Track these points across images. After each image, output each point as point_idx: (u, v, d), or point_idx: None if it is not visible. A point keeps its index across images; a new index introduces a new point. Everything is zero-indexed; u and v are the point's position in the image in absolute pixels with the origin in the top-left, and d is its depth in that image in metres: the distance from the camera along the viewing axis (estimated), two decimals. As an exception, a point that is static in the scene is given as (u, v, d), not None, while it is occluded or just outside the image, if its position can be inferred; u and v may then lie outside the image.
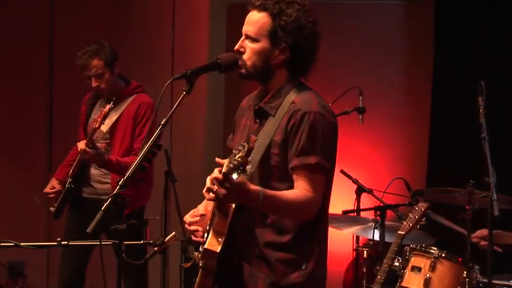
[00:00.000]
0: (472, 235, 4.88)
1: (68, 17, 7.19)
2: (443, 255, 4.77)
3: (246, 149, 2.85)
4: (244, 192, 2.94)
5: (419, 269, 4.78)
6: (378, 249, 5.20)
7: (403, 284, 4.80)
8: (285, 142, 3.10)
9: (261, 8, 3.14)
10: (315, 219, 3.14)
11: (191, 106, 6.48)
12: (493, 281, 4.62)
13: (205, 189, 2.99)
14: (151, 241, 4.03)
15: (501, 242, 4.98)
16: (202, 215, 3.24)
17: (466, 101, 5.84)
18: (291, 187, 3.09)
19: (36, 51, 7.22)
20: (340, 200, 5.39)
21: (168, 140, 6.73)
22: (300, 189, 3.06)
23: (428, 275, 4.73)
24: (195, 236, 3.24)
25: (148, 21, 7.24)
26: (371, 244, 5.56)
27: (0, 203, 7.10)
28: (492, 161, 4.38)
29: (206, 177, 3.03)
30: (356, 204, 5.57)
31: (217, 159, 2.98)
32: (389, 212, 5.25)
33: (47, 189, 5.36)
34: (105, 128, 5.27)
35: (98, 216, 3.09)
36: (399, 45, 7.04)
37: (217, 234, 3.09)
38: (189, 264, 3.30)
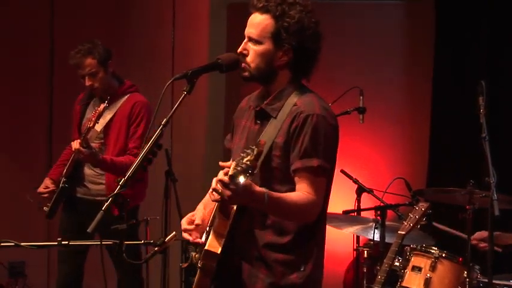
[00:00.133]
0: (472, 237, 4.88)
1: (68, 17, 7.19)
2: (443, 255, 4.77)
3: (255, 152, 2.85)
4: (250, 194, 2.94)
5: (419, 269, 4.78)
6: (378, 249, 5.20)
7: (404, 284, 4.81)
8: (287, 144, 3.11)
9: (264, 10, 3.13)
10: (314, 222, 3.15)
11: (192, 106, 6.47)
12: (494, 281, 4.62)
13: (210, 190, 2.99)
14: (152, 241, 4.03)
15: (501, 242, 4.98)
16: (197, 225, 3.24)
17: (466, 101, 5.84)
18: (292, 189, 3.09)
19: (36, 51, 7.22)
20: (341, 200, 5.39)
21: (168, 140, 6.74)
22: (302, 192, 3.07)
23: (428, 275, 4.73)
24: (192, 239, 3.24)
25: (148, 21, 7.24)
26: (371, 244, 5.56)
27: (0, 203, 7.10)
28: (492, 160, 4.39)
29: (206, 177, 3.03)
30: (356, 204, 5.57)
31: (221, 163, 2.98)
32: (389, 212, 5.25)
33: (41, 189, 5.36)
34: (99, 127, 5.26)
35: (99, 216, 3.10)
36: (399, 45, 7.04)
37: (217, 235, 3.09)
38: (186, 265, 3.30)
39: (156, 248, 3.86)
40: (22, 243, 3.72)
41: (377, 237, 5.18)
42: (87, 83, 5.27)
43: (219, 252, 3.06)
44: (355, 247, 5.71)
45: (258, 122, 3.22)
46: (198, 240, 3.20)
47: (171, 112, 3.17)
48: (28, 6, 7.22)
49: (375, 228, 5.23)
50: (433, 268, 4.75)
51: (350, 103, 5.91)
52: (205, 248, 3.08)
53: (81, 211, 5.30)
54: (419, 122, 6.82)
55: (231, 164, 3.00)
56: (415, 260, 4.82)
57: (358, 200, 5.57)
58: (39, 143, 7.23)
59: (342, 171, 5.48)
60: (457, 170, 6.52)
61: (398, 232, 4.67)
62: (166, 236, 3.88)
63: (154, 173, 5.41)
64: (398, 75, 7.02)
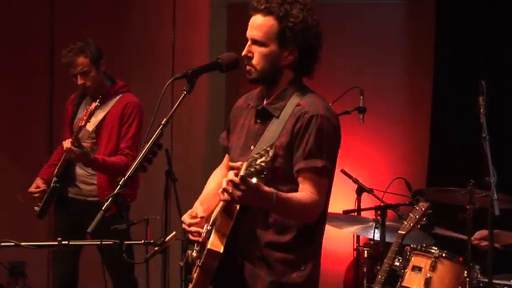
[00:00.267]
0: (472, 238, 4.88)
1: (68, 17, 7.19)
2: (443, 255, 4.78)
3: (271, 154, 2.84)
4: (259, 194, 2.94)
5: (419, 269, 4.79)
6: (378, 249, 5.20)
7: (404, 284, 4.81)
8: (291, 144, 3.11)
9: (266, 11, 3.13)
10: (315, 222, 3.16)
11: (192, 106, 6.47)
12: (494, 281, 4.62)
13: (220, 190, 2.99)
14: (152, 241, 4.02)
15: (501, 241, 4.98)
16: (202, 217, 3.24)
17: (466, 100, 5.84)
18: (293, 189, 3.09)
19: (36, 51, 7.22)
20: (341, 200, 5.39)
21: (168, 140, 6.73)
22: (306, 192, 3.07)
23: (428, 275, 4.73)
24: (193, 236, 3.24)
25: (148, 21, 7.24)
26: (372, 244, 5.56)
27: (0, 203, 7.09)
28: (492, 160, 4.39)
29: (206, 177, 3.04)
30: (357, 203, 5.57)
31: (231, 163, 2.97)
32: (389, 212, 5.25)
33: (32, 189, 5.34)
34: (90, 127, 5.24)
35: (99, 216, 3.10)
36: (400, 45, 7.04)
37: (220, 234, 3.09)
38: (183, 263, 3.30)
39: (156, 248, 3.86)
40: (22, 243, 3.71)
41: (377, 237, 5.18)
42: (79, 81, 5.27)
43: (221, 251, 3.06)
44: (355, 247, 5.71)
45: (259, 121, 3.22)
46: (198, 238, 3.20)
47: (171, 112, 3.17)
48: (28, 6, 7.22)
49: (375, 228, 5.24)
50: (433, 268, 4.75)
51: (350, 103, 5.91)
52: (208, 247, 3.08)
53: (73, 211, 5.29)
54: (420, 122, 6.82)
55: (241, 164, 2.98)
56: (415, 260, 4.82)
57: (359, 199, 5.57)
58: (39, 143, 7.22)
59: (342, 171, 5.48)
60: (457, 170, 6.53)
61: (399, 232, 4.67)
62: (167, 236, 3.87)
63: (154, 173, 5.40)
64: (398, 75, 7.02)
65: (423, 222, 4.68)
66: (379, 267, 4.81)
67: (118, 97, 5.35)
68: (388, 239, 5.05)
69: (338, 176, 3.40)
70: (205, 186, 3.48)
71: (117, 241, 3.53)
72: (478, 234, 4.98)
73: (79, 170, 5.32)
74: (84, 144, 5.15)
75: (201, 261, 3.13)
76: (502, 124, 6.30)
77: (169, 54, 7.02)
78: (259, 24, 3.14)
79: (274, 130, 3.14)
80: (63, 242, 3.84)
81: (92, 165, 5.16)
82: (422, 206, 4.70)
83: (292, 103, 3.16)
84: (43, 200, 5.28)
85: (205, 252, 3.09)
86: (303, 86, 3.23)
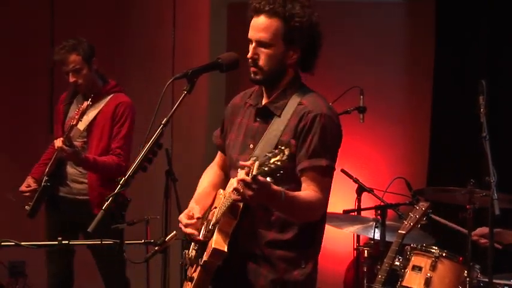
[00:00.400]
0: (472, 233, 4.88)
1: (68, 17, 7.18)
2: (444, 254, 4.77)
3: (287, 153, 2.81)
4: (270, 193, 2.93)
5: (420, 269, 4.78)
6: (378, 249, 5.20)
7: (404, 284, 4.81)
8: None
9: (271, 12, 3.12)
10: (316, 220, 3.17)
11: (192, 106, 6.47)
12: (494, 280, 4.62)
13: (231, 189, 2.98)
14: (152, 240, 4.03)
15: (501, 240, 4.97)
16: (198, 218, 3.24)
17: (466, 100, 5.84)
18: (294, 188, 3.09)
19: (36, 51, 7.21)
20: (341, 199, 5.40)
21: (168, 140, 6.73)
22: (310, 191, 3.08)
23: (429, 275, 4.73)
24: (189, 236, 3.24)
25: (148, 21, 7.23)
26: (372, 243, 5.56)
27: (0, 203, 7.09)
28: (493, 160, 4.39)
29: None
30: (357, 203, 5.57)
31: (241, 162, 2.97)
32: (390, 212, 5.25)
33: (23, 188, 5.34)
34: (82, 126, 5.22)
35: (99, 215, 3.10)
36: (400, 44, 7.04)
37: (223, 233, 3.09)
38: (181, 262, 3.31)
39: (156, 248, 3.87)
40: (22, 243, 3.72)
41: (377, 237, 5.18)
42: (71, 79, 5.26)
43: (226, 250, 3.06)
44: (355, 246, 5.71)
45: (258, 119, 3.23)
46: (198, 238, 3.20)
47: (172, 111, 3.17)
48: (28, 6, 7.21)
49: (375, 227, 5.24)
50: (433, 267, 4.75)
51: (350, 102, 5.91)
52: (213, 246, 3.07)
53: (64, 210, 5.29)
54: (420, 122, 6.82)
55: (251, 163, 2.94)
56: (415, 260, 4.82)
57: (359, 199, 5.57)
58: (39, 143, 7.21)
59: (343, 171, 5.47)
60: (457, 170, 6.52)
61: (399, 231, 4.67)
62: (167, 236, 3.88)
63: (154, 173, 5.40)
64: (398, 75, 7.02)
65: (423, 221, 4.69)
66: (379, 267, 4.81)
67: (110, 96, 5.34)
68: (388, 239, 5.05)
69: (338, 176, 3.40)
70: (199, 184, 3.48)
71: (117, 241, 3.53)
72: (479, 230, 4.97)
73: (70, 169, 5.30)
74: (76, 143, 5.13)
75: (202, 260, 3.12)
76: (502, 124, 6.29)
77: (169, 54, 7.01)
78: (265, 25, 3.13)
79: (277, 129, 3.14)
80: (63, 242, 3.85)
81: (83, 164, 5.15)
82: (423, 205, 4.70)
83: (294, 102, 3.16)
84: (34, 199, 5.26)
85: (209, 252, 3.08)
86: (303, 84, 3.24)
